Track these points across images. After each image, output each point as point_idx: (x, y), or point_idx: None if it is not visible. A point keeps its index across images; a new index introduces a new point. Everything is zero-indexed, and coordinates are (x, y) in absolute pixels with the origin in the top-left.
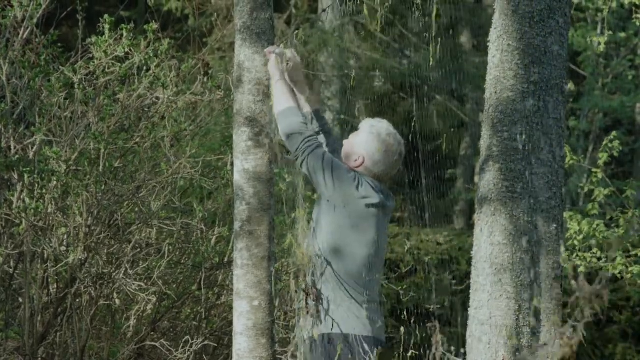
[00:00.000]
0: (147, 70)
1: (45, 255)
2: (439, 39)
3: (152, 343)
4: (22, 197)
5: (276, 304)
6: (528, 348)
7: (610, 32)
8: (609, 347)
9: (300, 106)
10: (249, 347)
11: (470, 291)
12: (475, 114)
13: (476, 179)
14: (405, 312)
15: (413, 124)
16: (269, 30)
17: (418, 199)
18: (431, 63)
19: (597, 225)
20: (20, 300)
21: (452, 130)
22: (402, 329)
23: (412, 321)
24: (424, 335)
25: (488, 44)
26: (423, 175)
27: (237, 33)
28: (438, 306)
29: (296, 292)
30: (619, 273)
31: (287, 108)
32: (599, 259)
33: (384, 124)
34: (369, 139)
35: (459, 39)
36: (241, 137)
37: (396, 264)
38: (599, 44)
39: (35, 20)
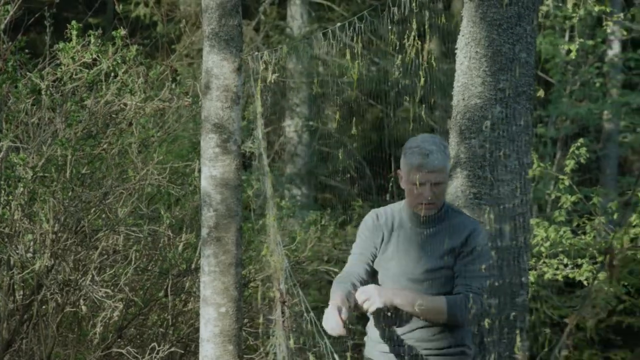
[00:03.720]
0: (115, 77)
1: (12, 262)
2: (410, 46)
3: (119, 350)
4: None
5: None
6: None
7: (581, 40)
8: (574, 354)
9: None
10: (216, 354)
11: None
12: (443, 121)
13: None
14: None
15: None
16: (238, 36)
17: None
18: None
19: (564, 232)
20: None
21: None
22: None
23: None
24: None
25: (456, 51)
26: (391, 182)
27: (205, 39)
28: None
29: (271, 301)
30: (586, 279)
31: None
32: (566, 265)
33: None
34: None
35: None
36: (209, 143)
37: None
38: (569, 51)
39: (2, 26)
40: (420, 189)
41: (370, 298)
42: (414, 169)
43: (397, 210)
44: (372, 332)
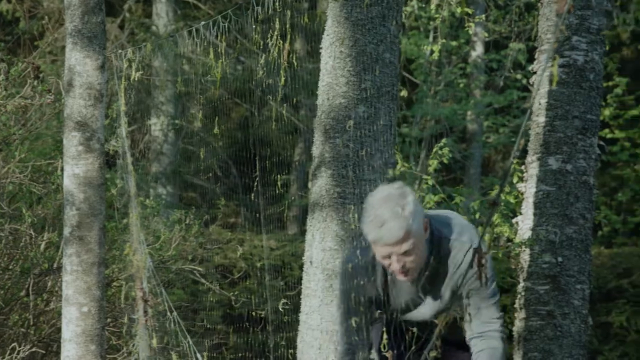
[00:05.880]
0: None
1: None
2: (273, 45)
3: None
4: None
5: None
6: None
7: (444, 40)
8: None
9: None
10: (78, 354)
11: (302, 297)
12: (308, 120)
13: (309, 185)
14: (237, 318)
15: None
16: (101, 34)
17: (252, 205)
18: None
19: None
20: None
21: (287, 136)
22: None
23: (245, 327)
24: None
25: (321, 50)
26: (257, 181)
27: (68, 37)
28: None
29: (133, 300)
30: None
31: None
32: None
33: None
34: None
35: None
36: (71, 141)
37: (229, 269)
38: (432, 52)
39: None
40: (387, 262)
41: None
42: (372, 243)
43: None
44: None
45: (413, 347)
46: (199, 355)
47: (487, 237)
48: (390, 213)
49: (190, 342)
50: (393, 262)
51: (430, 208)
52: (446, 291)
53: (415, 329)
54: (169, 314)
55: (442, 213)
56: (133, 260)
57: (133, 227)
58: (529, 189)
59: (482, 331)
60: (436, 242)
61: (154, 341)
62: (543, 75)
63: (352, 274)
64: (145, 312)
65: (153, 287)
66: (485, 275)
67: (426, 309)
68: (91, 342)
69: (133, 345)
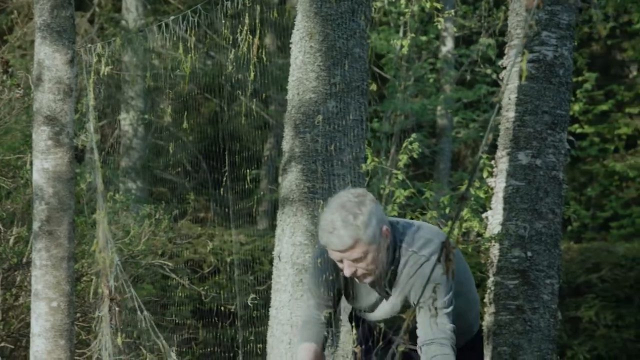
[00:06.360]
0: None
1: None
2: (243, 40)
3: None
4: None
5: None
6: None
7: (413, 35)
8: None
9: None
10: (47, 349)
11: (272, 292)
12: (279, 115)
13: (279, 179)
14: (207, 313)
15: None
16: (70, 28)
17: (222, 200)
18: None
19: None
20: None
21: (257, 131)
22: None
23: (214, 322)
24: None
25: (291, 45)
26: (227, 176)
27: (37, 31)
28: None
29: (99, 298)
30: None
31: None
32: None
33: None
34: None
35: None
36: (41, 136)
37: (199, 264)
38: (402, 46)
39: None
40: (341, 265)
41: None
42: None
43: None
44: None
45: (380, 343)
46: (173, 355)
47: (456, 231)
48: (341, 221)
49: (164, 343)
50: (345, 266)
51: (400, 203)
52: (397, 299)
53: (382, 325)
54: (139, 313)
55: (415, 223)
56: (99, 258)
57: (99, 225)
58: (498, 183)
59: (433, 338)
60: (396, 251)
61: (119, 339)
62: (512, 70)
63: (322, 269)
64: (111, 309)
65: (121, 284)
66: (453, 270)
67: (385, 309)
68: (60, 337)
69: (96, 343)
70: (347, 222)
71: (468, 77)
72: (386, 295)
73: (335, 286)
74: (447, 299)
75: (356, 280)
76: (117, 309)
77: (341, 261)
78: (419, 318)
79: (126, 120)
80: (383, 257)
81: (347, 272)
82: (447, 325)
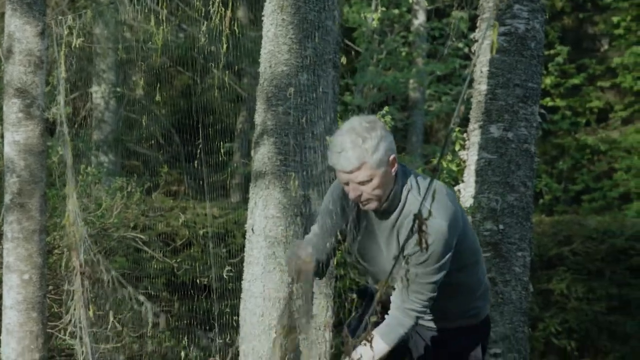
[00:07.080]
0: None
1: None
2: (215, 12)
3: None
4: None
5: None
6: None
7: (384, 9)
8: None
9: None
10: (19, 321)
11: (244, 264)
12: (252, 88)
13: (252, 152)
14: (181, 286)
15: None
16: (40, 0)
17: (195, 173)
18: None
19: None
20: None
21: (230, 104)
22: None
23: (187, 294)
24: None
25: (263, 18)
26: (200, 149)
27: (7, 3)
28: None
29: (70, 272)
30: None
31: None
32: None
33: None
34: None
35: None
36: (11, 108)
37: (171, 237)
38: (373, 20)
39: None
40: (347, 188)
41: None
42: (334, 168)
43: None
44: None
45: (354, 313)
46: (149, 308)
47: (427, 204)
48: (350, 142)
49: (149, 306)
50: (350, 189)
51: None
52: (394, 240)
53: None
54: (115, 283)
55: (434, 182)
56: (69, 231)
57: (69, 199)
58: (470, 156)
59: (401, 305)
60: (403, 192)
61: (91, 312)
62: (484, 43)
63: (334, 200)
64: (82, 284)
65: (90, 258)
66: (426, 241)
67: (382, 261)
68: (32, 310)
69: (69, 317)
70: (355, 144)
71: (445, 52)
72: (387, 237)
73: (343, 222)
74: (436, 267)
75: (361, 205)
76: (87, 282)
77: (347, 184)
78: (403, 276)
79: (98, 93)
80: (389, 184)
81: (352, 195)
82: (422, 296)
